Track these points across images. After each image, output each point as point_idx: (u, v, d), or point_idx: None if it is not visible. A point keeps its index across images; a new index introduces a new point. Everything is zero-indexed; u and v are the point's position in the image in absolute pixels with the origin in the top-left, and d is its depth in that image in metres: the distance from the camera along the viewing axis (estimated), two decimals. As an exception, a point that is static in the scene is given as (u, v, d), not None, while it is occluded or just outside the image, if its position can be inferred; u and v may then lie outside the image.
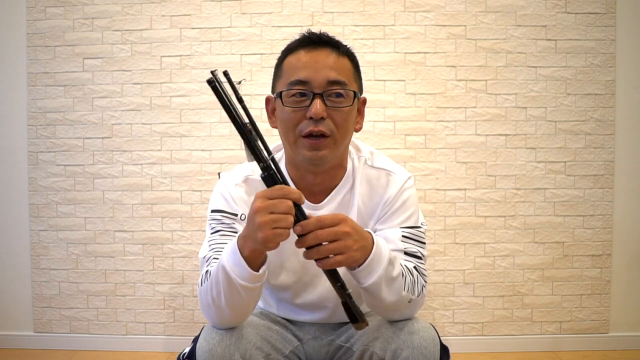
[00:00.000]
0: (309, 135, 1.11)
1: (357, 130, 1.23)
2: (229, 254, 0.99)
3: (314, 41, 1.16)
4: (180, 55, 2.39)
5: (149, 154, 2.41)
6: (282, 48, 1.22)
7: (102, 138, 2.42)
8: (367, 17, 2.36)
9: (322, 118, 1.10)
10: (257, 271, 0.97)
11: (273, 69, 1.24)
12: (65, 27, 2.39)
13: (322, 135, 1.11)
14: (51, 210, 2.43)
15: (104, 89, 2.41)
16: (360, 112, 1.23)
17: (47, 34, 2.39)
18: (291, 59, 1.16)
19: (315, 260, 0.97)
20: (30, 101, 2.42)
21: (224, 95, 0.92)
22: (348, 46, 1.20)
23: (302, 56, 1.14)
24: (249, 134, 0.94)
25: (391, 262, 1.05)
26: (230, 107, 0.93)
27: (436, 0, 2.36)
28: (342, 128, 1.13)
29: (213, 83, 0.91)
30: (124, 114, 2.41)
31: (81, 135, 2.42)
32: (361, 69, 1.23)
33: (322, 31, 1.18)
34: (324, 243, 0.96)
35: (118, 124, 2.41)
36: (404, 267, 1.10)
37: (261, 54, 2.36)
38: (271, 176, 0.94)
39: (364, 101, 1.24)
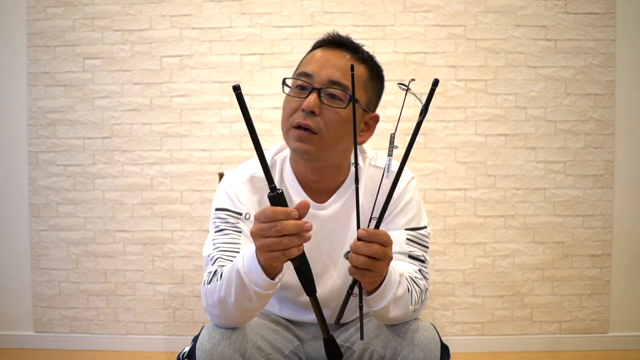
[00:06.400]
0: (298, 127, 1.12)
1: (358, 143, 1.22)
2: (245, 259, 0.98)
3: (333, 41, 1.19)
4: (180, 55, 2.39)
5: (149, 154, 2.42)
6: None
7: (102, 138, 2.42)
8: (367, 17, 2.37)
9: (313, 113, 1.11)
10: (273, 279, 0.97)
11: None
12: (66, 27, 2.39)
13: (310, 130, 1.11)
14: (51, 210, 2.43)
15: (104, 89, 2.41)
16: (369, 127, 1.22)
17: (47, 34, 2.39)
18: (309, 55, 1.19)
19: (352, 266, 0.97)
20: (31, 101, 2.42)
21: (246, 105, 0.91)
22: (375, 58, 1.21)
23: (317, 52, 1.18)
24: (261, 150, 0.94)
25: (400, 283, 1.05)
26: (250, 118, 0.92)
27: (436, 0, 2.36)
28: (331, 128, 1.12)
29: (239, 90, 0.89)
30: (124, 114, 2.41)
31: (81, 135, 2.42)
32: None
33: (348, 34, 1.21)
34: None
35: (118, 124, 2.42)
36: (410, 280, 1.10)
37: (261, 54, 2.36)
38: (273, 198, 0.92)
39: (375, 118, 1.22)
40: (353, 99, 1.01)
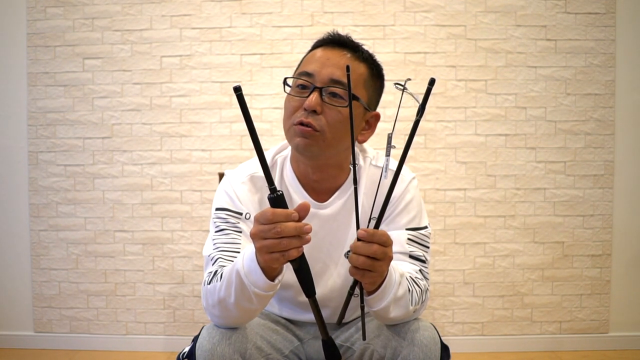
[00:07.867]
0: (300, 124, 1.12)
1: (359, 142, 1.23)
2: (245, 260, 0.98)
3: (334, 41, 1.19)
4: (180, 55, 2.39)
5: (149, 154, 2.42)
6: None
7: (102, 138, 2.42)
8: (367, 17, 2.37)
9: (315, 112, 1.11)
10: (273, 281, 0.97)
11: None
12: (66, 27, 2.39)
13: (312, 129, 1.12)
14: (51, 210, 2.43)
15: (104, 89, 2.41)
16: (370, 126, 1.22)
17: (47, 34, 2.39)
18: (309, 54, 1.20)
19: (352, 266, 0.97)
20: (31, 101, 2.42)
21: (247, 106, 0.92)
22: (375, 57, 1.21)
23: (318, 52, 1.18)
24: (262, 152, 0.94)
25: (401, 283, 1.05)
26: (251, 119, 0.92)
27: (436, 0, 2.36)
28: (333, 127, 1.12)
29: (239, 91, 0.90)
30: (124, 114, 2.41)
31: (81, 135, 2.42)
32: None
33: (347, 34, 1.21)
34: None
35: (118, 124, 2.42)
36: (410, 280, 1.10)
37: (261, 54, 2.36)
38: (273, 199, 0.92)
39: (376, 116, 1.23)
40: (350, 101, 1.01)
